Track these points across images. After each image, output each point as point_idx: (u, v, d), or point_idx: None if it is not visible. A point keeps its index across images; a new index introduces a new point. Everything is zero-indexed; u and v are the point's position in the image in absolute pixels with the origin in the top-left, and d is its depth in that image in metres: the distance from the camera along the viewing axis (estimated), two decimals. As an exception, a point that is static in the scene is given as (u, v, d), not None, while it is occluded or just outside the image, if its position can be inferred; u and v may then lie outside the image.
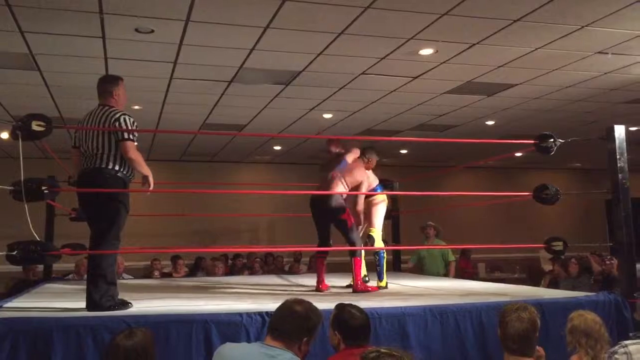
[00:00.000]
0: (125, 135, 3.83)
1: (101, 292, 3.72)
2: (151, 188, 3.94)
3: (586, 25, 5.10)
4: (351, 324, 2.88)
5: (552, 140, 4.74)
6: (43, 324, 3.24)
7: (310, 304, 2.74)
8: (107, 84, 4.09)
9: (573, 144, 4.96)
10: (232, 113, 8.04)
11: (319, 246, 5.53)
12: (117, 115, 3.87)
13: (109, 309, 3.68)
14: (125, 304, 3.80)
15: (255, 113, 8.08)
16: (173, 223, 10.77)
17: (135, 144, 3.92)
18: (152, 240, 9.94)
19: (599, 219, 13.68)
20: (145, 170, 3.91)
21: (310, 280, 6.01)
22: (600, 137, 4.63)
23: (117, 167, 3.87)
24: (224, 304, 4.08)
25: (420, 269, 8.28)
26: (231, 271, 9.70)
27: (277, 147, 10.84)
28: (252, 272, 9.67)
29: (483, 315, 3.86)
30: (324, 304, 3.34)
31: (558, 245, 4.64)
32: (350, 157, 5.51)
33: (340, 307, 2.98)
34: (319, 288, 5.34)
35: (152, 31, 5.05)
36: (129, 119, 3.89)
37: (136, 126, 3.93)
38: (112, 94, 4.03)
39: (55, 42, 5.26)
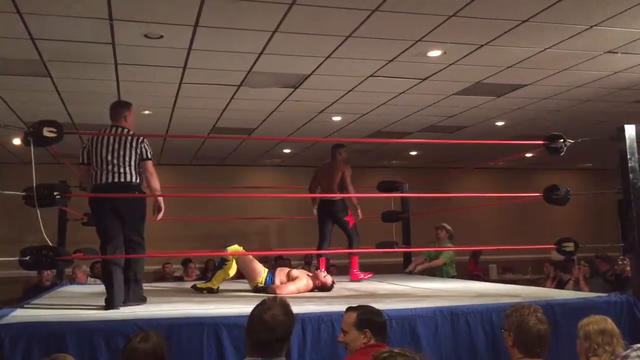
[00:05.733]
0: (150, 155, 4.41)
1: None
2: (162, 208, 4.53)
3: (595, 25, 5.08)
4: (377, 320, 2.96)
5: (562, 140, 4.72)
6: (56, 327, 3.27)
7: (278, 303, 2.56)
8: (120, 108, 4.53)
9: (583, 144, 4.93)
10: (241, 117, 8.07)
11: None
12: (141, 139, 4.38)
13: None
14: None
15: (265, 116, 8.11)
16: (184, 227, 10.81)
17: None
18: (163, 244, 9.97)
19: (611, 220, 13.58)
20: (157, 185, 4.46)
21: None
22: (611, 137, 4.61)
23: (138, 181, 4.37)
24: (235, 307, 4.10)
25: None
26: (242, 274, 9.70)
27: (287, 150, 10.86)
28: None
29: (494, 317, 3.84)
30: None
31: (569, 246, 4.62)
32: None
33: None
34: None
35: (161, 36, 5.08)
36: (147, 142, 4.44)
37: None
38: (125, 117, 4.48)
39: (65, 49, 5.31)
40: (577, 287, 7.08)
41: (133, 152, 4.31)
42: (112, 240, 4.24)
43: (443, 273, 7.99)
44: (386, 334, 2.97)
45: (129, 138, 4.34)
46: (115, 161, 4.27)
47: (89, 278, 7.85)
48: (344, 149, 6.67)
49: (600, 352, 2.99)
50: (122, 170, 4.28)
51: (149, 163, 4.40)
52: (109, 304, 4.05)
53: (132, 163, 4.31)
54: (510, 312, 2.83)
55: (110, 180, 4.27)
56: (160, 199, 4.50)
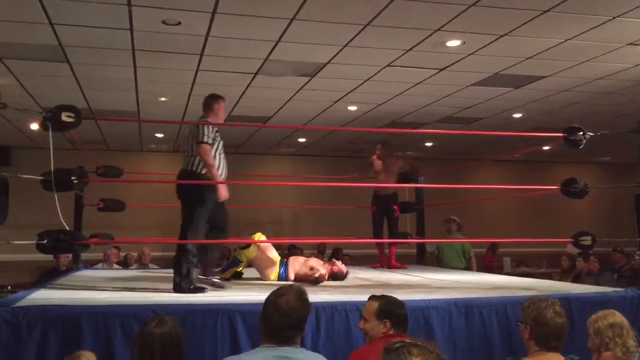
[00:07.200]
0: (203, 138, 4.41)
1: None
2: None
3: (617, 16, 4.99)
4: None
5: (581, 133, 4.66)
6: (72, 310, 3.29)
7: (293, 290, 2.52)
8: (206, 100, 4.80)
9: (602, 137, 4.86)
10: (257, 105, 8.06)
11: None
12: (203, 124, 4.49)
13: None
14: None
15: (281, 105, 8.10)
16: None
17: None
18: (178, 231, 10.01)
19: (628, 214, 13.44)
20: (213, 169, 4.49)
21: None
22: (631, 130, 4.55)
23: (191, 167, 4.51)
24: (249, 295, 4.11)
25: (438, 260, 8.29)
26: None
27: (302, 139, 10.85)
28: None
29: (509, 309, 3.82)
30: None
31: (586, 240, 4.57)
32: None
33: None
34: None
35: (179, 23, 5.08)
36: (207, 127, 4.47)
37: (216, 132, 4.56)
38: (210, 109, 4.73)
39: (84, 34, 5.32)
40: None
41: (193, 138, 4.45)
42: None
43: (450, 263, 7.97)
44: (406, 325, 2.97)
45: (196, 126, 4.49)
46: (187, 150, 4.56)
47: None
48: (383, 145, 7.10)
49: (612, 346, 2.98)
50: (186, 157, 4.52)
51: (201, 146, 4.39)
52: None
53: (190, 150, 4.48)
54: (528, 304, 2.80)
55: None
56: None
